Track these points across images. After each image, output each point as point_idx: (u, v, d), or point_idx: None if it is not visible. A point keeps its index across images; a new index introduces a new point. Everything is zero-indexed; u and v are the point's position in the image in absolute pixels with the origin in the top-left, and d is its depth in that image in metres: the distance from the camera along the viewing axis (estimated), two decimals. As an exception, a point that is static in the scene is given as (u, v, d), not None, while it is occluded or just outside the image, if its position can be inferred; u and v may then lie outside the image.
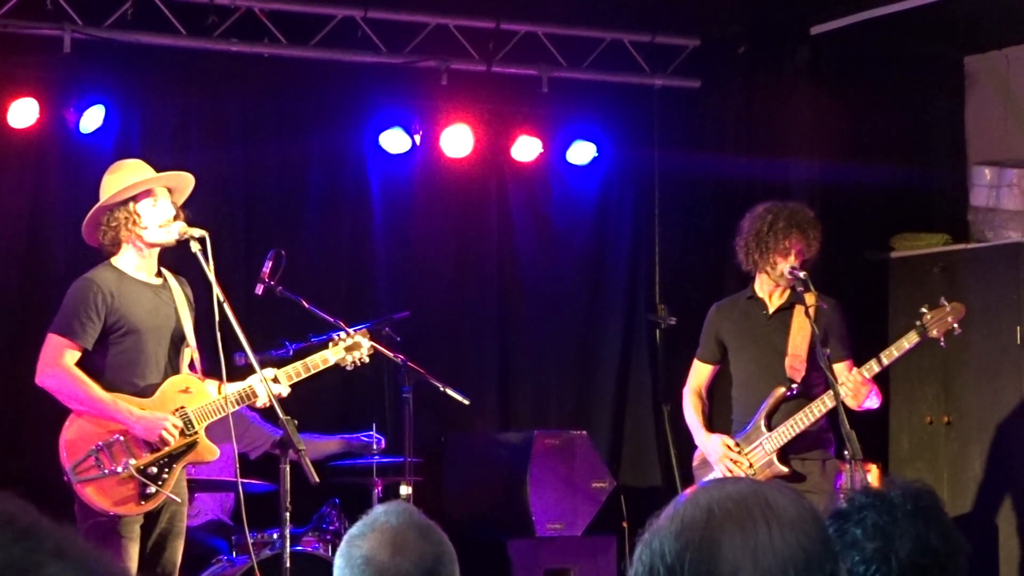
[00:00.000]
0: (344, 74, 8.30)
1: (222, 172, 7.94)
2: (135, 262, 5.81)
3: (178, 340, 5.84)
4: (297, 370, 5.92)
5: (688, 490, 1.92)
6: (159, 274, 5.87)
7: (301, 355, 6.07)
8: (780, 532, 1.82)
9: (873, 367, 6.29)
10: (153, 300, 5.81)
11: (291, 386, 5.87)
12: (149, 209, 5.76)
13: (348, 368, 6.13)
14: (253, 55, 8.01)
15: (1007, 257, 8.31)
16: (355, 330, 6.26)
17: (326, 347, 6.10)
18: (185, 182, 5.92)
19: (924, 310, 6.40)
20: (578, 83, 8.72)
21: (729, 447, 6.51)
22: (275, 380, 5.79)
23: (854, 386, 6.24)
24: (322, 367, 6.02)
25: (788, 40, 8.74)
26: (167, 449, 5.66)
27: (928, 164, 9.03)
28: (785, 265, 6.46)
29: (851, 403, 6.23)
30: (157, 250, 5.83)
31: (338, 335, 6.12)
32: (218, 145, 8.08)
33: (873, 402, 6.38)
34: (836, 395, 6.09)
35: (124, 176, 5.82)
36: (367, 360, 6.17)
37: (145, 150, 7.08)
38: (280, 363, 6.01)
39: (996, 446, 8.25)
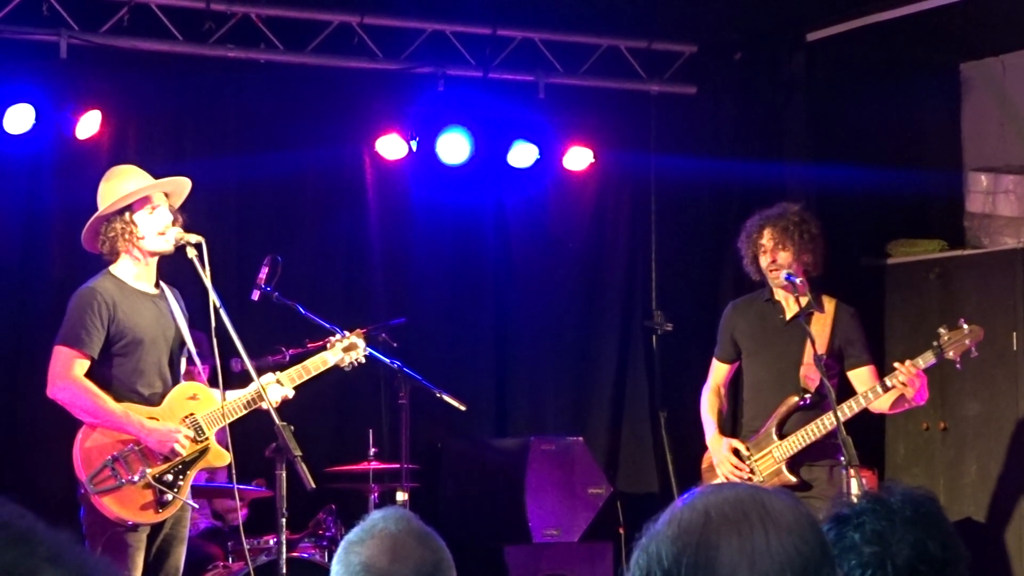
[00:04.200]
0: (340, 80, 8.29)
1: (218, 178, 7.92)
2: (134, 271, 5.80)
3: (178, 349, 5.84)
4: (299, 372, 5.94)
5: (685, 494, 1.93)
6: (157, 284, 5.87)
7: (298, 361, 6.07)
8: (777, 536, 1.82)
9: (919, 362, 6.25)
10: (153, 310, 5.81)
11: (294, 388, 5.89)
12: (146, 217, 5.74)
13: (346, 369, 6.14)
14: (249, 61, 8.00)
15: (1003, 263, 8.31)
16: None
17: (324, 350, 6.11)
18: (182, 186, 5.91)
19: (942, 331, 6.35)
20: (575, 89, 8.73)
21: (737, 452, 6.48)
22: (277, 383, 5.80)
23: (908, 377, 6.21)
24: (322, 368, 6.03)
25: (784, 46, 8.75)
26: (181, 457, 5.68)
27: (924, 170, 9.03)
28: (772, 267, 6.46)
29: (908, 393, 6.21)
30: (156, 258, 5.83)
31: (335, 337, 6.13)
32: (214, 151, 8.07)
33: (923, 396, 6.35)
34: (834, 408, 6.08)
35: (120, 184, 5.79)
36: (363, 360, 6.17)
37: (141, 156, 7.06)
38: (277, 369, 6.02)
39: (992, 452, 8.25)
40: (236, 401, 5.75)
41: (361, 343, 6.15)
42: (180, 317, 5.87)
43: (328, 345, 6.10)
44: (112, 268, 5.80)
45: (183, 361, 5.91)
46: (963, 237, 8.79)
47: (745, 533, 1.82)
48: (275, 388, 5.78)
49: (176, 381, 5.84)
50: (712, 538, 1.82)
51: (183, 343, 5.85)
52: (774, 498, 1.88)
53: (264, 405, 5.68)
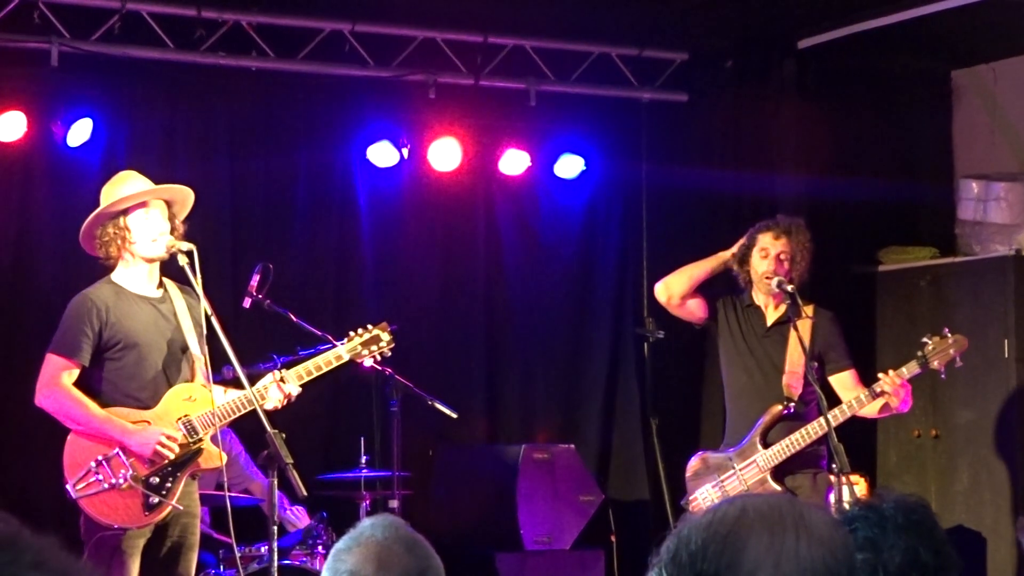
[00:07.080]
0: (332, 87, 8.29)
1: (210, 185, 7.89)
2: (132, 275, 5.78)
3: (180, 351, 5.78)
4: (308, 369, 5.82)
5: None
6: (160, 285, 5.84)
7: (289, 368, 6.01)
8: (807, 544, 1.84)
9: (903, 372, 6.28)
10: (152, 313, 5.77)
11: (301, 386, 5.81)
12: (141, 221, 5.72)
13: (366, 363, 6.02)
14: (241, 68, 8.00)
15: (994, 271, 8.32)
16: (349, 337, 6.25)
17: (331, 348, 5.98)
18: (183, 195, 5.86)
19: (926, 340, 6.37)
20: (566, 97, 8.72)
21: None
22: (281, 381, 5.75)
23: (892, 387, 6.23)
24: (335, 364, 5.90)
25: (775, 54, 8.75)
26: (167, 459, 5.64)
27: (915, 178, 9.03)
28: (769, 274, 6.47)
29: (892, 402, 6.23)
30: (156, 263, 5.79)
31: (355, 332, 6.01)
32: (206, 158, 8.06)
33: (907, 404, 6.37)
34: (824, 414, 6.08)
35: (117, 188, 5.79)
36: (388, 354, 6.07)
37: (132, 164, 7.04)
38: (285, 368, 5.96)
39: (983, 460, 8.24)
40: (232, 403, 5.71)
41: (385, 335, 6.04)
42: (185, 318, 5.80)
43: (347, 339, 5.96)
44: (112, 275, 5.79)
45: (187, 362, 5.84)
46: (954, 244, 8.80)
47: (777, 534, 1.85)
48: (274, 389, 5.74)
49: (184, 382, 5.79)
50: (743, 532, 1.85)
51: (186, 345, 5.80)
52: (814, 511, 1.91)
53: (269, 405, 5.64)
